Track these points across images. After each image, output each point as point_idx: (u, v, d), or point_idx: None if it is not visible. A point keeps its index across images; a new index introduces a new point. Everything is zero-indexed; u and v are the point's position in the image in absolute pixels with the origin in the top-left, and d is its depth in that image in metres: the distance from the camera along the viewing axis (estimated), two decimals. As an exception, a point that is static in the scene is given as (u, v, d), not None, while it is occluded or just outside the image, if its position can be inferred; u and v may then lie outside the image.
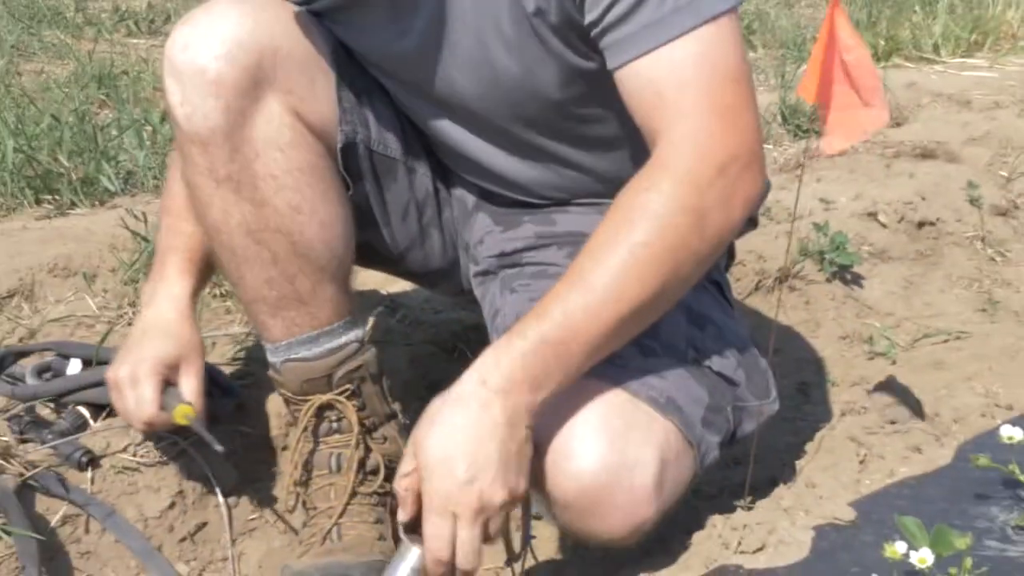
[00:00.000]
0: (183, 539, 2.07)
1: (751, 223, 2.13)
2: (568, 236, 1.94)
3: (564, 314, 1.56)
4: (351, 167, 1.91)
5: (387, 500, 2.02)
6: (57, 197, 3.28)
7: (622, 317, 1.57)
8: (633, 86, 1.63)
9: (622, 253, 1.56)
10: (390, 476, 1.99)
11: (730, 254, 2.19)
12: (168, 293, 2.01)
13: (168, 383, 1.95)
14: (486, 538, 1.56)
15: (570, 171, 1.93)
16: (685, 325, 1.81)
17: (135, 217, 2.82)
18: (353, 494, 1.97)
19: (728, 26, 1.61)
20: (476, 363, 1.58)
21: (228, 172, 1.77)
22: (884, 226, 3.20)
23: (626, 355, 1.69)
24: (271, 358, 1.92)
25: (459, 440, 1.53)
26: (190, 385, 1.96)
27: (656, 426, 1.67)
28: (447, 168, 2.08)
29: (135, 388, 1.92)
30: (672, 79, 1.60)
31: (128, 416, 1.96)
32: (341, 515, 1.96)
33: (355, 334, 1.93)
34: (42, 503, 1.99)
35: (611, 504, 1.63)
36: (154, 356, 1.94)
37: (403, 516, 1.58)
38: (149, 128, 3.89)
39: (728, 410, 1.79)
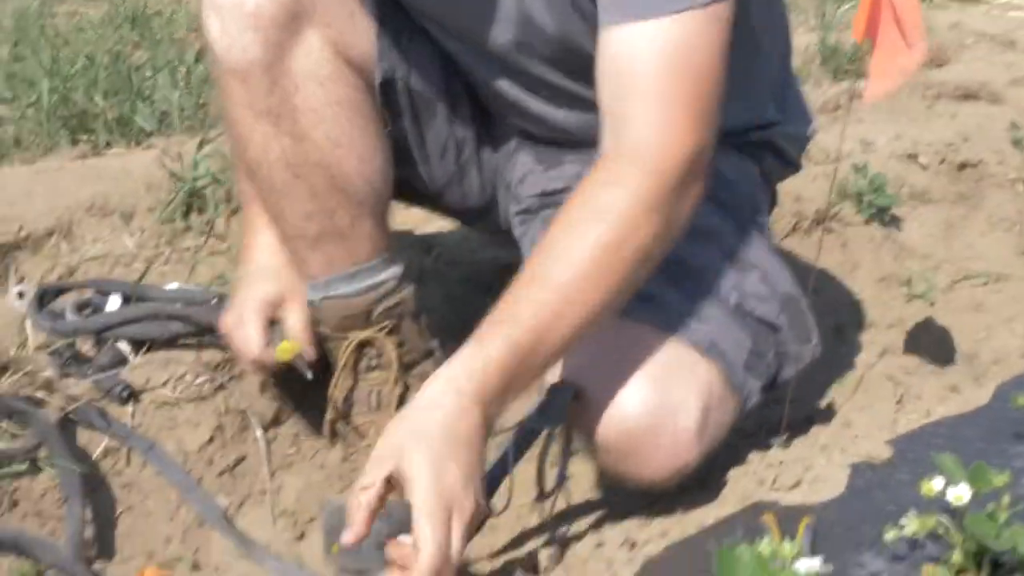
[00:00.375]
0: (222, 472, 2.10)
1: (794, 167, 2.13)
2: None
3: (533, 317, 1.55)
4: (390, 103, 1.92)
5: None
6: (93, 137, 3.30)
7: (589, 319, 1.58)
8: (609, 52, 1.62)
9: (591, 253, 1.57)
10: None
11: (773, 198, 2.19)
12: (261, 242, 2.04)
13: (273, 322, 1.99)
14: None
15: None
16: (729, 270, 1.81)
17: (171, 157, 2.84)
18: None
19: (718, 18, 1.59)
20: (446, 371, 1.57)
21: (267, 105, 1.79)
22: (924, 168, 3.19)
23: (671, 300, 1.71)
24: (310, 295, 1.94)
25: (446, 447, 1.49)
26: (293, 321, 1.99)
27: (700, 371, 1.69)
28: (487, 108, 2.09)
29: (241, 328, 1.97)
30: (649, 59, 1.59)
31: (239, 357, 2.03)
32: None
33: (393, 271, 1.94)
34: (84, 436, 2.02)
35: (654, 448, 1.65)
36: (256, 297, 1.98)
37: (349, 537, 1.50)
38: (183, 69, 3.90)
39: (770, 355, 1.80)
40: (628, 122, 1.61)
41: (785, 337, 1.84)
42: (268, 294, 1.98)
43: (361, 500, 1.49)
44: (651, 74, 1.58)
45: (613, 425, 1.65)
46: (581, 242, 1.57)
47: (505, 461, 1.65)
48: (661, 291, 1.72)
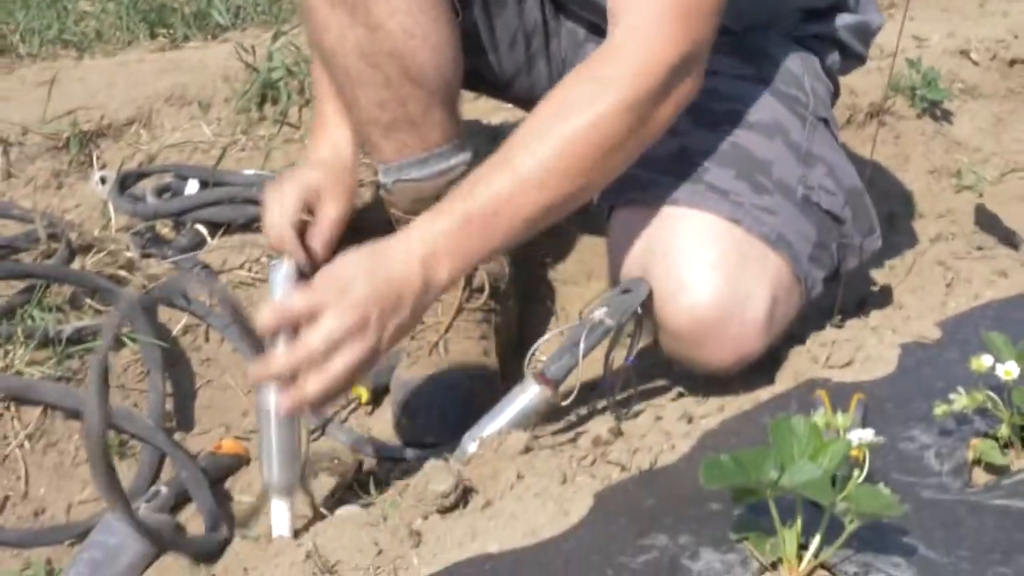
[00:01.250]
0: (296, 349, 2.11)
1: (859, 60, 2.09)
2: None
3: (489, 198, 1.56)
4: None
5: (491, 317, 2.05)
6: (171, 31, 3.29)
7: (546, 205, 1.58)
8: None
9: (554, 143, 1.56)
10: (494, 294, 2.03)
11: (836, 91, 2.14)
12: (328, 138, 2.01)
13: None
14: (338, 391, 1.54)
15: None
16: (795, 163, 1.78)
17: (245, 50, 2.82)
18: (460, 310, 1.99)
19: None
20: (401, 234, 1.58)
21: None
22: (976, 64, 3.14)
23: (740, 192, 1.69)
24: (382, 178, 1.93)
25: (378, 277, 1.51)
26: (324, 213, 1.91)
27: (768, 262, 1.67)
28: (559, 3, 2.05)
29: (275, 202, 1.88)
30: None
31: (267, 229, 1.89)
32: (448, 329, 1.99)
33: (462, 157, 1.92)
34: (164, 314, 2.03)
35: (723, 336, 1.64)
36: (301, 178, 1.92)
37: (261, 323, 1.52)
38: (257, -35, 3.87)
39: (833, 247, 1.78)
40: (620, 19, 1.59)
41: (849, 230, 1.81)
42: (311, 181, 1.93)
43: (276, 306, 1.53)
44: None
45: (684, 314, 1.64)
46: (549, 132, 1.57)
47: (576, 351, 1.64)
48: (730, 184, 1.70)
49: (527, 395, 1.66)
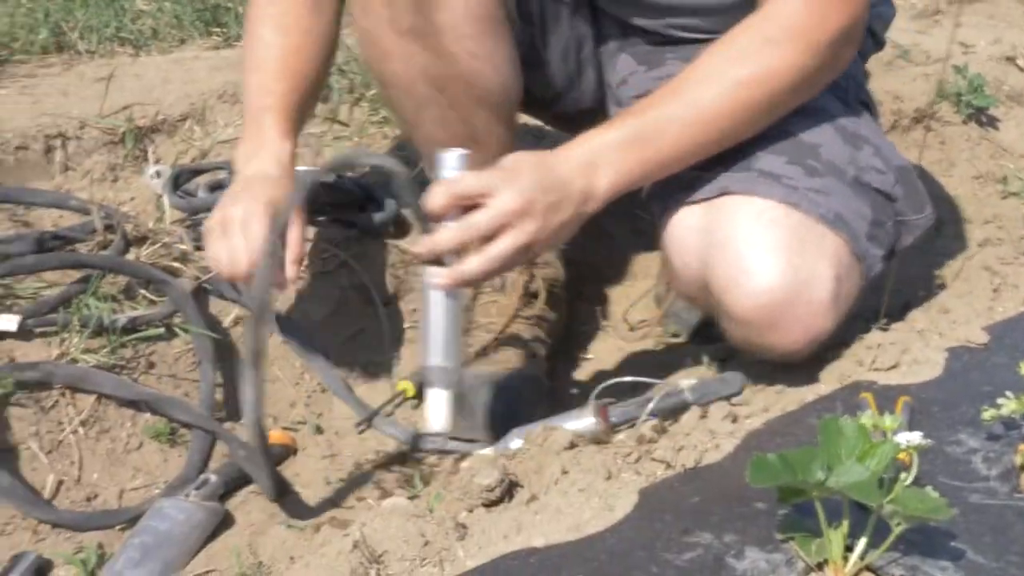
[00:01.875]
0: (344, 343, 2.11)
1: (881, 45, 2.07)
2: None
3: (657, 120, 1.63)
4: (521, 9, 1.88)
5: (543, 323, 2.05)
6: (225, 30, 3.29)
7: (703, 141, 1.65)
8: None
9: (727, 84, 1.63)
10: (549, 300, 2.03)
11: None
12: (270, 154, 1.82)
13: None
14: (494, 273, 1.61)
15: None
16: (843, 145, 1.77)
17: (298, 48, 2.81)
18: (515, 316, 1.99)
19: None
20: (568, 143, 1.65)
21: (411, 24, 1.73)
22: (1022, 70, 3.09)
23: (793, 176, 1.68)
24: None
25: (544, 171, 1.58)
26: (295, 230, 1.70)
27: (828, 242, 1.66)
28: (597, 7, 2.04)
29: (246, 228, 1.67)
30: None
31: (230, 256, 1.68)
32: (501, 332, 1.99)
33: None
34: (216, 305, 2.03)
35: (792, 318, 1.63)
36: (268, 202, 1.70)
37: (430, 203, 1.55)
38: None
39: (888, 224, 1.76)
40: None
41: (902, 207, 1.80)
42: (277, 203, 1.70)
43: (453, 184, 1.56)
44: None
45: (750, 299, 1.62)
46: (725, 74, 1.64)
47: (643, 408, 1.67)
48: (783, 169, 1.69)
49: (582, 422, 1.66)
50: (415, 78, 1.80)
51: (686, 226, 1.70)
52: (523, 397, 1.92)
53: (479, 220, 1.54)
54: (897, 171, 1.81)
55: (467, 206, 1.54)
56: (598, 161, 1.61)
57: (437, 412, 1.62)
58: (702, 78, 1.65)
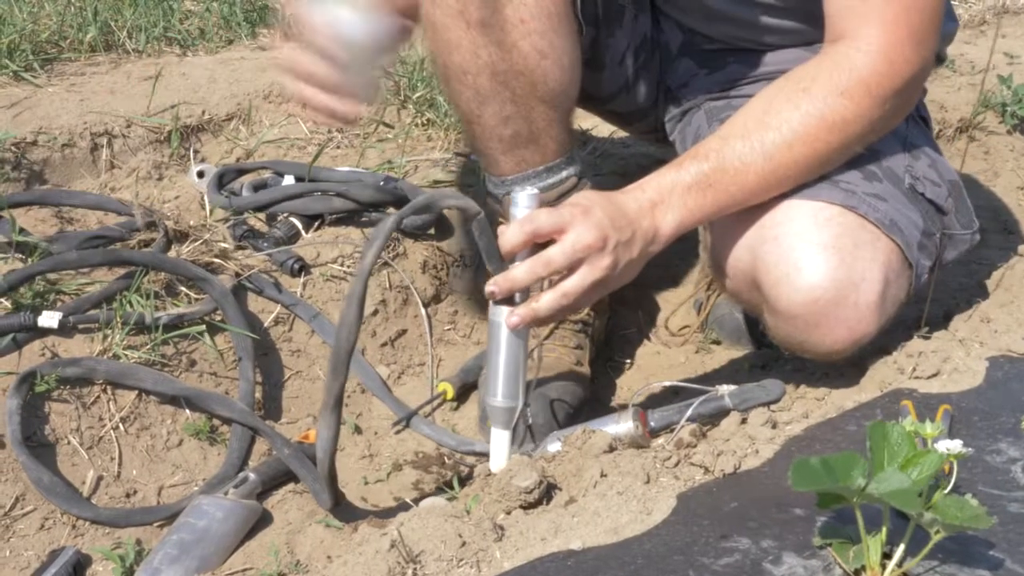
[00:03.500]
0: (384, 344, 2.12)
1: (941, 60, 2.07)
2: (778, 73, 1.88)
3: (725, 166, 1.62)
4: (585, 11, 1.88)
5: (587, 329, 2.05)
6: (272, 30, 3.31)
7: (775, 185, 1.65)
8: None
9: (796, 131, 1.62)
10: (593, 305, 2.03)
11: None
12: None
13: None
14: (566, 311, 1.61)
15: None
16: (902, 154, 1.78)
17: (343, 50, 2.83)
18: (560, 321, 1.99)
19: None
20: (637, 182, 1.64)
21: (481, 16, 1.74)
22: (1068, 81, 3.06)
23: (852, 180, 1.69)
24: (494, 190, 1.92)
25: (616, 209, 1.59)
26: None
27: (880, 245, 1.66)
28: (658, 10, 2.04)
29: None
30: None
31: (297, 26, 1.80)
32: (546, 337, 1.99)
33: (573, 168, 1.91)
34: (256, 304, 2.04)
35: (837, 317, 1.63)
36: None
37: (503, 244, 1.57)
38: (358, -31, 3.88)
39: (937, 236, 1.76)
40: (855, 35, 1.63)
41: (951, 221, 1.80)
42: None
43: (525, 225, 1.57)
44: (883, 3, 1.60)
45: (799, 294, 1.63)
46: (791, 120, 1.63)
47: (682, 412, 1.67)
48: (841, 173, 1.69)
49: (621, 426, 1.66)
50: (480, 71, 1.79)
51: (739, 220, 1.70)
52: (566, 401, 1.93)
53: (555, 255, 1.55)
54: (950, 185, 1.81)
55: (540, 244, 1.56)
56: (666, 202, 1.62)
57: (499, 453, 1.64)
58: (774, 125, 1.63)
